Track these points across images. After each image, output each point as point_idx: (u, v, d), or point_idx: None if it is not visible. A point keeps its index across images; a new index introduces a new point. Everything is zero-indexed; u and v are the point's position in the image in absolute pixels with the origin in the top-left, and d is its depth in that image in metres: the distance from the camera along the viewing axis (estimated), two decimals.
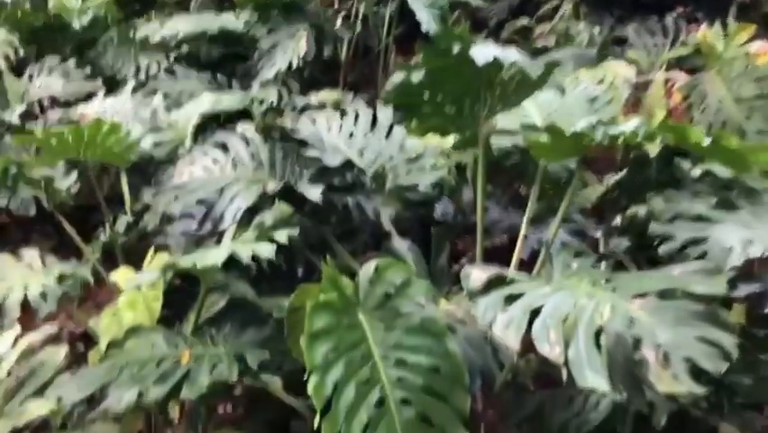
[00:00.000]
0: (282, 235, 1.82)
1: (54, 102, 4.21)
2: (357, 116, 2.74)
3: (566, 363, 1.48)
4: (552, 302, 1.61)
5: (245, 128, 2.60)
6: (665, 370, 1.42)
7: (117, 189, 3.18)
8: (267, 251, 1.71)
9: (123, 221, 3.14)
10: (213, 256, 1.69)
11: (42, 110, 4.17)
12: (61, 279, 2.08)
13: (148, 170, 3.32)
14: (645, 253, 2.96)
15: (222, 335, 1.99)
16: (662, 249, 1.89)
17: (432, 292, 1.96)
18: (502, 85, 2.05)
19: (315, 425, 1.61)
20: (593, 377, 1.45)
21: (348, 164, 2.46)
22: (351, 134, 2.68)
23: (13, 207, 3.53)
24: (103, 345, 1.95)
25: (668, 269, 1.65)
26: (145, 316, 2.14)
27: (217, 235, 2.24)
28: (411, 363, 1.81)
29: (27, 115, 3.97)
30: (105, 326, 2.02)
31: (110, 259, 3.16)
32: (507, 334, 1.54)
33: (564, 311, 1.57)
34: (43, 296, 2.05)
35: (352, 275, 2.10)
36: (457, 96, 2.09)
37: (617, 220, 3.10)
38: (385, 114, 2.75)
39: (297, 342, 2.00)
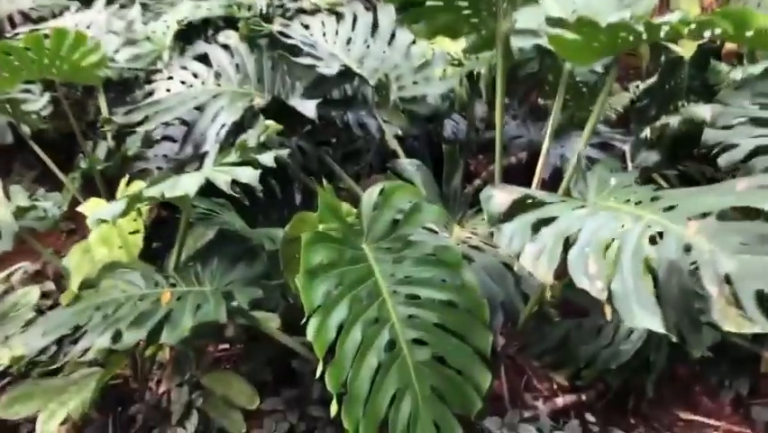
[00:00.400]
0: (268, 158, 1.55)
1: (26, 18, 3.88)
2: (355, 20, 2.42)
3: (610, 298, 1.24)
4: (590, 227, 1.35)
5: (228, 36, 2.29)
6: (731, 306, 1.17)
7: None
8: (249, 176, 1.45)
9: (104, 146, 2.88)
10: (184, 184, 1.43)
11: (14, 27, 3.84)
12: (20, 212, 1.83)
13: (134, 89, 3.04)
14: (677, 167, 2.71)
15: (209, 271, 1.75)
16: (723, 159, 1.61)
17: (445, 218, 1.71)
18: None
19: (318, 372, 1.39)
20: (643, 315, 1.21)
21: (347, 73, 2.16)
22: (349, 40, 2.37)
23: None
24: (74, 284, 1.72)
25: (729, 184, 1.38)
26: (123, 251, 1.90)
27: (200, 159, 1.97)
28: (424, 298, 1.58)
29: None
30: (76, 264, 1.79)
31: (91, 188, 2.92)
32: (538, 266, 1.30)
33: (605, 237, 1.32)
34: None
35: (356, 202, 1.85)
36: None
37: (646, 132, 2.82)
38: (387, 16, 2.43)
39: (294, 277, 1.78)
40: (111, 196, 2.78)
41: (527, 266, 1.31)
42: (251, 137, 1.64)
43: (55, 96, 2.76)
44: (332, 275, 1.46)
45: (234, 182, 1.50)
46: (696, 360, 2.23)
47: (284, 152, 1.63)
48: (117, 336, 1.48)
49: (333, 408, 1.41)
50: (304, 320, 1.39)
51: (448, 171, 2.10)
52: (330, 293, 1.43)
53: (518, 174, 2.72)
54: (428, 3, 1.83)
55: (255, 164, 1.53)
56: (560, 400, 2.08)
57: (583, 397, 2.12)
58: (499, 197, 1.45)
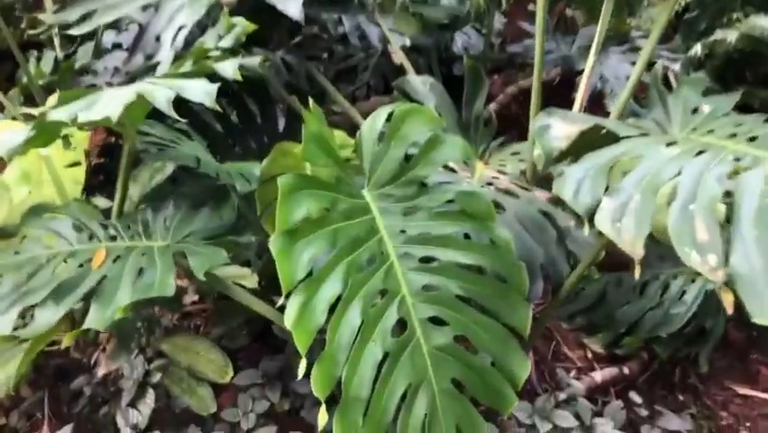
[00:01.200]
0: (229, 66, 1.10)
1: None
2: None
3: (730, 281, 0.84)
4: (690, 173, 0.94)
5: None
6: None
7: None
8: (200, 92, 1.01)
9: (50, 58, 2.41)
10: (104, 104, 1.00)
11: None
12: None
13: None
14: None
15: (161, 219, 1.34)
16: None
17: (470, 153, 1.29)
18: None
19: (301, 372, 1.01)
20: None
21: None
22: None
23: None
24: None
25: None
26: (55, 189, 1.49)
27: (153, 71, 1.52)
28: (443, 262, 1.19)
29: None
30: None
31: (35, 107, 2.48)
32: (622, 231, 0.89)
33: (715, 190, 0.91)
34: None
35: (353, 131, 1.43)
36: None
37: (696, 48, 2.37)
38: None
39: (272, 223, 1.37)
40: None
41: (605, 230, 0.90)
42: (208, 38, 1.19)
43: None
44: (320, 235, 1.05)
45: (186, 102, 1.06)
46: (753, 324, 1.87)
47: (254, 61, 1.18)
48: (27, 315, 1.08)
49: (321, 418, 1.02)
50: (281, 299, 0.99)
51: (469, 93, 1.66)
52: (317, 261, 1.02)
53: (549, 97, 2.28)
54: None
55: (212, 75, 1.09)
56: (598, 376, 1.73)
57: (625, 370, 1.76)
58: (559, 127, 1.02)
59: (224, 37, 1.19)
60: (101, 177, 1.73)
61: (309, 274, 1.02)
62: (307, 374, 1.01)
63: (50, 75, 2.30)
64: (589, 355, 1.83)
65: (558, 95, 2.05)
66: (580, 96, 1.74)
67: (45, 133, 1.10)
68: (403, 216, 1.21)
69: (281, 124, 2.05)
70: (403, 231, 1.19)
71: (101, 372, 1.41)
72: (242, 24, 1.22)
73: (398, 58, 1.95)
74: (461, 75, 2.86)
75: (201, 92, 1.04)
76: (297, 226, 1.01)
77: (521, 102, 2.64)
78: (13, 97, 2.36)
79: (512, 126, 2.53)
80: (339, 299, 1.05)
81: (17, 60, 2.39)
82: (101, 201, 1.69)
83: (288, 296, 0.99)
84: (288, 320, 0.98)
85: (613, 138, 1.03)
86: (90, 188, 1.69)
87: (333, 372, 1.03)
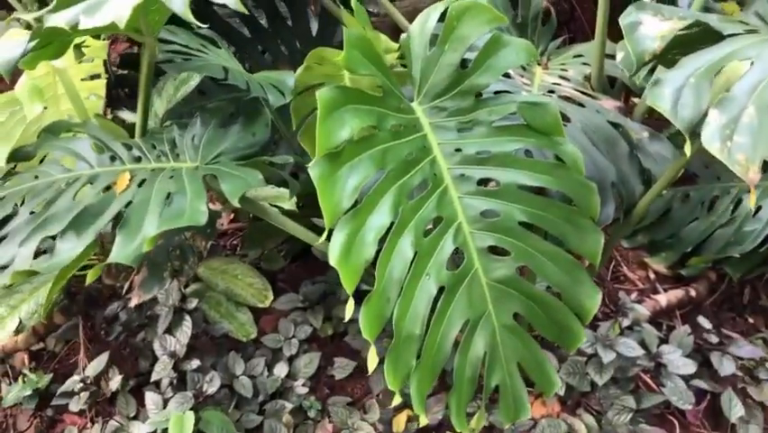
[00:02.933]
0: None
1: None
2: None
3: None
4: None
5: None
6: None
7: None
8: None
9: None
10: (108, 9, 0.84)
11: None
12: None
13: None
14: None
15: (189, 137, 1.21)
16: None
17: (534, 56, 1.11)
18: None
19: (348, 314, 0.90)
20: None
21: None
22: None
23: None
24: (1, 157, 1.20)
25: None
26: (73, 105, 1.36)
27: None
28: (504, 184, 1.05)
29: None
30: (1, 131, 1.25)
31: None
32: (734, 152, 0.74)
33: None
34: None
35: (395, 33, 1.27)
36: None
37: None
38: None
39: (311, 140, 1.24)
40: None
41: (713, 150, 0.75)
42: None
43: None
44: (366, 158, 0.91)
45: (209, 4, 0.91)
46: None
47: None
48: (48, 248, 0.98)
49: (371, 358, 0.92)
50: (325, 234, 0.87)
51: None
52: (364, 188, 0.89)
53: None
54: None
55: None
56: (662, 298, 1.60)
57: (692, 292, 1.63)
58: (651, 24, 0.85)
59: None
60: (125, 90, 1.60)
61: (355, 203, 0.89)
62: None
63: None
64: (652, 276, 1.70)
65: None
66: None
67: (50, 44, 0.97)
68: (458, 132, 1.06)
69: (314, 26, 1.88)
70: (458, 150, 1.05)
71: (134, 301, 1.33)
72: None
73: None
74: None
75: None
76: (340, 148, 0.88)
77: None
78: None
79: (568, 21, 2.30)
80: (389, 230, 0.93)
81: None
82: (127, 115, 1.58)
83: (330, 231, 0.87)
84: (333, 256, 0.86)
85: (716, 36, 0.85)
86: (114, 103, 1.56)
87: (383, 310, 0.92)
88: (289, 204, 1.40)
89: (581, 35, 2.51)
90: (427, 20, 1.07)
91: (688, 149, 0.79)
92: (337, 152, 0.88)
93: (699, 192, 1.74)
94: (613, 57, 1.49)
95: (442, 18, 1.07)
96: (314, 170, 0.86)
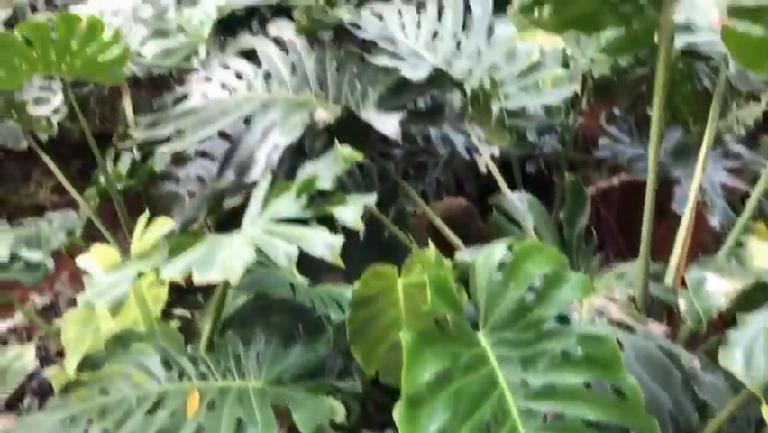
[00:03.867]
0: (351, 214, 1.02)
1: (49, 4, 3.44)
2: (442, 8, 1.90)
3: None
4: None
5: (281, 27, 1.79)
6: None
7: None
8: (320, 246, 0.93)
9: (128, 159, 2.41)
10: (224, 262, 0.93)
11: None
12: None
13: (167, 88, 2.59)
14: None
15: (254, 354, 1.25)
16: None
17: (591, 291, 1.18)
18: None
19: None
20: None
21: (438, 77, 1.64)
22: (435, 34, 1.85)
23: None
24: (70, 366, 1.24)
25: None
26: (139, 314, 1.42)
27: (244, 190, 1.48)
28: (570, 419, 1.07)
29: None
30: (74, 340, 1.31)
31: (112, 207, 2.47)
32: None
33: None
34: None
35: (433, 233, 1.34)
36: None
37: None
38: (481, 4, 1.90)
39: (365, 355, 1.28)
40: (133, 220, 2.32)
41: None
42: (323, 175, 1.11)
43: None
44: (443, 399, 0.94)
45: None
46: None
47: (371, 200, 1.11)
48: None
49: None
50: None
51: (571, 211, 1.58)
52: (446, 429, 0.91)
53: (637, 201, 2.15)
54: None
55: (333, 223, 1.02)
56: None
57: None
58: (716, 283, 0.92)
59: (336, 172, 1.12)
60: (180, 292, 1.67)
61: None
62: None
63: (127, 178, 2.29)
64: None
65: (640, 199, 1.94)
66: (688, 216, 1.63)
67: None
68: (522, 364, 1.10)
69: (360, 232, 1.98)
70: (524, 383, 1.08)
71: None
72: (351, 156, 1.15)
73: (486, 165, 1.88)
74: (534, 173, 2.79)
75: (323, 246, 0.97)
76: (423, 392, 0.91)
77: (605, 205, 2.53)
78: (89, 198, 2.35)
79: (599, 233, 2.41)
80: None
81: (90, 154, 2.41)
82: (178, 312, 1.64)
83: None
84: None
85: None
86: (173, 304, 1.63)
87: None
88: (341, 417, 1.41)
89: (610, 238, 2.62)
90: (492, 254, 1.15)
91: (765, 412, 0.82)
92: (420, 397, 0.91)
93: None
94: (656, 278, 1.57)
95: (507, 257, 1.15)
96: (398, 415, 0.89)
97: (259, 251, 0.96)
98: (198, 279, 0.93)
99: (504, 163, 2.55)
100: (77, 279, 2.67)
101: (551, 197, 2.50)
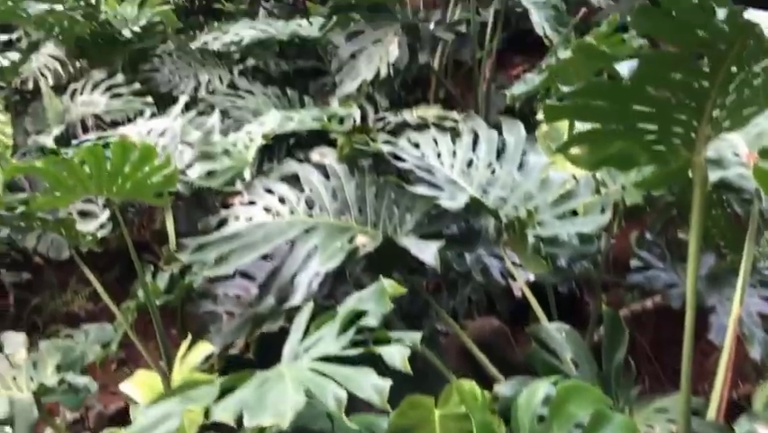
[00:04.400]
0: (396, 354, 1.03)
1: (99, 123, 3.64)
2: (476, 138, 1.98)
3: None
4: None
5: (323, 154, 1.87)
6: None
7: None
8: (368, 389, 0.94)
9: (166, 275, 2.45)
10: (275, 407, 0.94)
11: (86, 131, 3.60)
12: (44, 391, 1.38)
13: (208, 202, 2.69)
14: None
15: None
16: None
17: (633, 430, 1.16)
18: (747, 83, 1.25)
19: None
20: None
21: (474, 206, 1.69)
22: (470, 163, 1.92)
23: (42, 249, 2.96)
24: None
25: None
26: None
27: (285, 314, 1.50)
28: None
29: (67, 139, 3.40)
30: None
31: (148, 324, 2.50)
32: None
33: None
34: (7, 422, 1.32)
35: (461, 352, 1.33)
36: (667, 104, 1.30)
37: None
38: (514, 134, 1.98)
39: None
40: (170, 334, 2.34)
41: None
42: (371, 313, 1.13)
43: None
44: None
45: None
46: None
47: (416, 337, 1.12)
48: None
49: None
50: None
51: (609, 344, 1.57)
52: None
53: (675, 326, 2.12)
54: (599, 126, 1.37)
55: (379, 364, 1.03)
56: None
57: None
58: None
59: (383, 310, 1.14)
60: None
61: None
62: None
63: (164, 293, 2.33)
64: None
65: (675, 324, 1.92)
66: (729, 344, 1.61)
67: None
68: None
69: None
70: None
71: None
72: (395, 290, 1.18)
73: (521, 291, 1.89)
74: (567, 292, 2.77)
75: (371, 389, 0.97)
76: None
77: (639, 329, 2.51)
78: (126, 312, 2.39)
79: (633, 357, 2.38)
80: None
81: (125, 264, 2.47)
82: None
83: None
84: None
85: None
86: None
87: None
88: None
89: (646, 363, 2.57)
90: (535, 393, 1.15)
91: None
92: None
93: None
94: (696, 413, 1.53)
95: (550, 398, 1.14)
96: None
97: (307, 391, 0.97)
98: (249, 423, 0.93)
99: (536, 283, 2.57)
100: (106, 390, 2.68)
101: (584, 317, 2.49)
